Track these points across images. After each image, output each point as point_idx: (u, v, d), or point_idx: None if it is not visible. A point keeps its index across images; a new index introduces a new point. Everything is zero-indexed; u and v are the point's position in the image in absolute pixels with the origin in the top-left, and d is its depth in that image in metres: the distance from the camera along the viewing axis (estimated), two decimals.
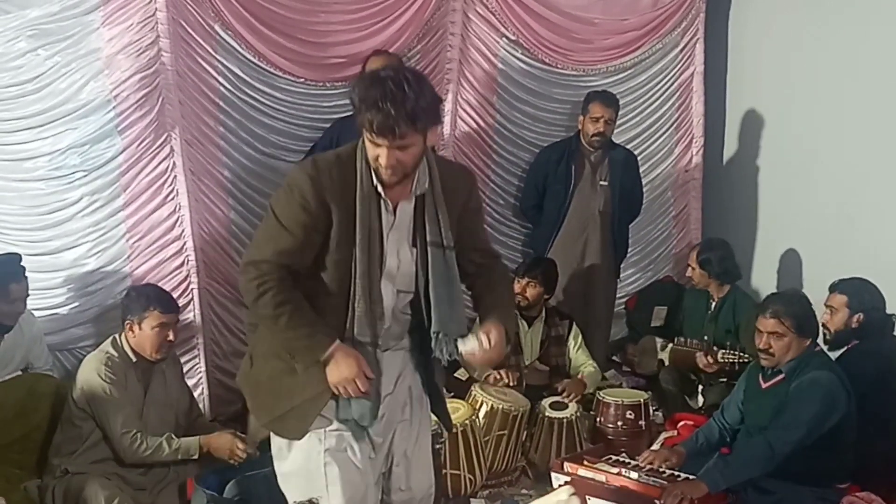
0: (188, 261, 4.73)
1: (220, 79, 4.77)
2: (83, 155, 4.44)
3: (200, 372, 4.85)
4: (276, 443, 2.87)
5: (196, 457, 3.86)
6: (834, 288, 4.40)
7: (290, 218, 2.64)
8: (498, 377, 4.67)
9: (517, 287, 4.99)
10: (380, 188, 2.67)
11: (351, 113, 4.84)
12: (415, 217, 2.78)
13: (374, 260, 2.69)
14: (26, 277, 4.06)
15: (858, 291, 4.25)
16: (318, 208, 2.63)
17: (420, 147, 2.63)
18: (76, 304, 4.55)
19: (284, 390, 2.78)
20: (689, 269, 5.41)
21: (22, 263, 4.06)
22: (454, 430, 3.97)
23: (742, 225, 6.16)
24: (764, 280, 5.95)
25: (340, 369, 2.68)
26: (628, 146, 5.85)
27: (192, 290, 4.76)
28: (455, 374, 5.07)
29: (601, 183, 5.51)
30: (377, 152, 2.60)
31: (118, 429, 3.74)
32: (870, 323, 4.20)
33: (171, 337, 3.96)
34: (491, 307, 2.88)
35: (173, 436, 3.86)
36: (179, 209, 4.68)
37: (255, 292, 2.64)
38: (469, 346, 2.74)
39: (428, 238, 2.76)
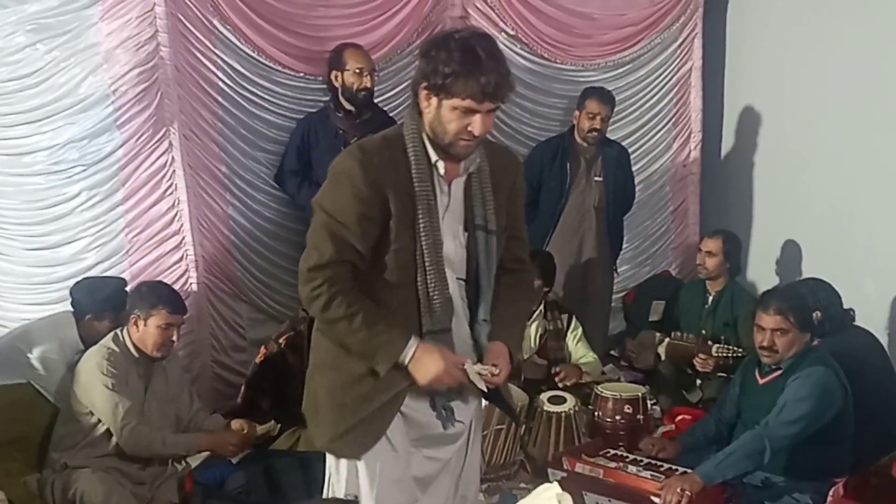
0: (187, 255, 4.74)
1: (219, 73, 4.76)
2: (82, 149, 4.44)
3: (199, 366, 4.86)
4: (332, 465, 2.71)
5: (194, 453, 3.87)
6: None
7: (344, 210, 2.49)
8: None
9: None
10: (440, 166, 2.57)
11: (321, 107, 4.91)
12: (464, 198, 2.66)
13: (438, 244, 2.56)
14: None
15: (813, 290, 4.25)
16: (372, 195, 2.48)
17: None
18: None
19: (350, 401, 2.60)
20: (704, 255, 5.28)
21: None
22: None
23: (739, 219, 6.17)
24: (761, 274, 5.97)
25: (427, 366, 2.53)
26: (626, 141, 5.86)
27: (190, 284, 4.77)
28: None
29: (596, 178, 5.51)
30: (470, 120, 2.48)
31: (115, 422, 3.74)
32: (828, 319, 4.21)
33: (174, 337, 3.97)
34: (506, 323, 2.75)
35: (174, 430, 3.87)
36: (178, 204, 4.69)
37: (325, 297, 2.49)
38: (479, 369, 2.61)
39: (476, 221, 2.65)
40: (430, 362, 2.53)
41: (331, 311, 2.51)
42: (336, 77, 4.84)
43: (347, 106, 4.88)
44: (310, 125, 4.93)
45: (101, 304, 4.12)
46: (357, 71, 4.81)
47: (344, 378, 2.61)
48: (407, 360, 2.53)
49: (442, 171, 2.57)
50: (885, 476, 3.61)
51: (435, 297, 2.57)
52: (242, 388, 4.64)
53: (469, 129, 2.49)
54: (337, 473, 2.69)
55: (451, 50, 2.45)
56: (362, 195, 2.48)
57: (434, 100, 2.50)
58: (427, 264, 2.55)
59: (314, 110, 5.00)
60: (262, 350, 4.61)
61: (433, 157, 2.56)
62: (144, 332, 3.88)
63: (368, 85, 4.86)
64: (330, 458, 2.72)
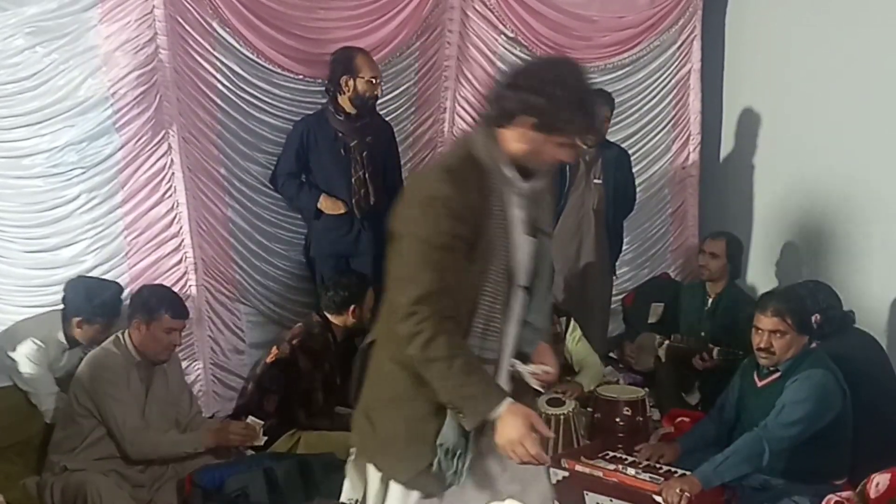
0: (186, 258, 4.73)
1: (218, 76, 4.75)
2: (81, 152, 4.43)
3: (199, 369, 4.85)
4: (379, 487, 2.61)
5: (201, 451, 3.88)
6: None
7: (442, 234, 2.40)
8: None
9: None
10: (519, 183, 2.53)
11: (319, 110, 4.89)
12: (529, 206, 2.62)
13: (511, 271, 2.53)
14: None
15: (813, 293, 4.25)
16: (467, 215, 2.42)
17: None
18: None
19: (431, 436, 2.48)
20: (708, 256, 5.25)
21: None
22: None
23: (739, 221, 6.17)
24: (761, 277, 5.97)
25: (507, 430, 2.40)
26: (625, 143, 5.85)
27: (189, 287, 4.76)
28: None
29: (595, 181, 5.51)
30: (564, 151, 2.51)
31: (123, 425, 3.75)
32: (828, 321, 4.20)
33: (177, 342, 3.97)
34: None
35: (176, 432, 3.88)
36: (177, 206, 4.68)
37: (428, 334, 2.38)
38: (532, 369, 2.62)
39: (540, 226, 2.62)
40: (512, 427, 2.41)
41: (431, 350, 2.40)
42: (346, 82, 4.83)
43: (349, 109, 4.88)
44: (308, 127, 4.92)
45: (95, 308, 4.13)
46: (371, 80, 4.83)
47: (425, 410, 2.52)
48: (494, 417, 2.42)
49: (520, 187, 2.55)
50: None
51: (494, 322, 2.52)
52: (250, 386, 4.67)
53: (561, 157, 2.55)
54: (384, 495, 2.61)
55: (567, 89, 2.44)
56: (459, 216, 2.42)
57: (537, 135, 2.48)
58: (511, 287, 2.53)
59: (313, 112, 4.99)
60: (274, 350, 4.62)
61: (510, 174, 2.53)
62: (146, 335, 3.88)
63: (378, 94, 4.89)
64: (375, 479, 2.63)
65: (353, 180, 4.90)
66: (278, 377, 4.50)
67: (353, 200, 4.90)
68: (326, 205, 4.92)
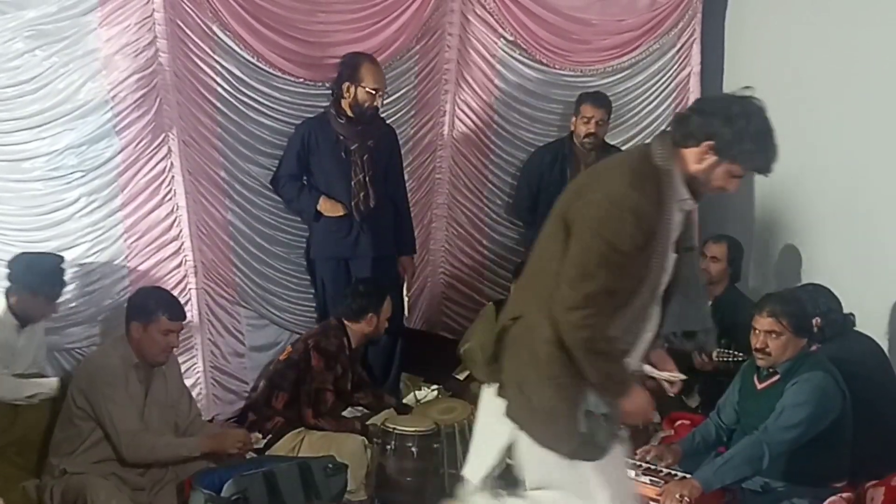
0: (186, 261, 4.74)
1: (218, 79, 4.76)
2: (81, 155, 4.43)
3: (198, 372, 4.86)
4: (548, 469, 2.83)
5: (197, 455, 3.87)
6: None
7: (626, 242, 2.61)
8: None
9: None
10: (689, 203, 2.77)
11: (321, 112, 4.91)
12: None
13: (662, 278, 2.77)
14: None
15: (813, 296, 4.26)
16: (648, 227, 2.64)
17: None
18: (74, 304, 4.53)
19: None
20: (709, 260, 5.22)
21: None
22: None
23: (739, 224, 6.16)
24: (760, 279, 5.95)
25: (638, 400, 2.79)
26: (625, 147, 5.84)
27: (189, 290, 4.77)
28: (454, 374, 5.11)
29: None
30: (732, 182, 2.75)
31: (120, 429, 3.75)
32: (828, 325, 4.21)
33: (174, 343, 3.97)
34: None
35: (174, 436, 3.87)
36: (177, 209, 4.69)
37: (592, 330, 2.63)
38: (667, 376, 2.99)
39: (688, 243, 2.87)
40: (640, 399, 2.80)
41: (594, 343, 2.66)
42: (348, 88, 4.85)
43: (350, 113, 4.89)
44: (310, 130, 4.93)
45: (36, 280, 4.08)
46: (371, 91, 4.84)
47: (578, 388, 2.72)
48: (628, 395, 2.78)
49: (689, 207, 2.78)
50: None
51: (636, 324, 2.78)
52: (262, 383, 4.71)
53: (727, 187, 2.76)
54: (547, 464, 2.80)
55: (753, 122, 2.70)
56: (642, 223, 2.62)
57: (714, 158, 2.71)
58: (643, 292, 2.72)
59: (313, 115, 5.01)
60: (288, 349, 4.70)
61: (684, 194, 2.74)
62: (145, 338, 3.88)
63: (378, 105, 4.91)
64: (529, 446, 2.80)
65: (352, 183, 4.91)
66: (289, 375, 4.55)
67: (353, 203, 4.91)
68: (326, 207, 4.92)
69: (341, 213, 4.92)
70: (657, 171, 2.70)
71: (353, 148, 4.92)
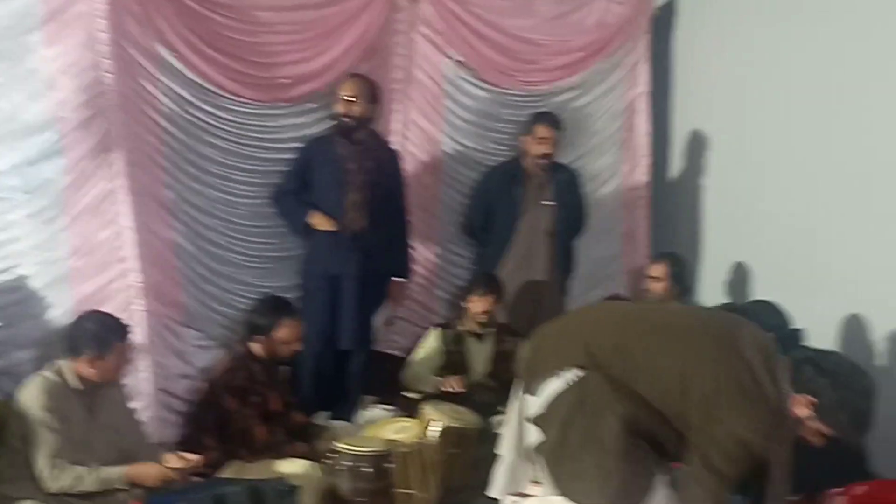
0: (132, 282, 4.67)
1: (165, 99, 4.74)
2: (25, 176, 4.38)
3: (145, 395, 4.77)
4: None
5: (122, 487, 3.78)
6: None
7: None
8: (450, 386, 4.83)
9: (484, 304, 5.08)
10: None
11: (325, 132, 5.00)
12: None
13: None
14: None
15: (761, 312, 4.30)
16: None
17: None
18: (18, 327, 4.47)
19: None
20: (652, 281, 5.34)
21: None
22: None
23: (690, 242, 6.23)
24: (711, 295, 6.01)
25: None
26: (575, 165, 5.90)
27: (136, 311, 4.68)
28: (405, 393, 5.08)
29: (547, 203, 5.54)
30: None
31: (43, 457, 3.64)
32: (777, 341, 4.25)
33: (130, 360, 3.94)
34: None
35: (98, 466, 3.76)
36: (123, 231, 4.63)
37: None
38: None
39: None
40: None
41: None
42: (335, 104, 4.97)
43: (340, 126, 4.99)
44: (312, 148, 5.02)
45: None
46: (348, 98, 4.93)
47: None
48: None
49: None
50: None
51: None
52: (185, 425, 4.59)
53: None
54: None
55: None
56: None
57: None
58: None
59: (260, 135, 5.07)
60: (199, 389, 4.56)
61: None
62: (102, 368, 3.80)
63: (355, 113, 4.95)
64: None
65: (346, 202, 4.95)
66: (208, 419, 4.32)
67: (344, 221, 4.94)
68: (316, 219, 4.96)
69: (331, 228, 4.93)
70: None
71: (350, 168, 4.95)
